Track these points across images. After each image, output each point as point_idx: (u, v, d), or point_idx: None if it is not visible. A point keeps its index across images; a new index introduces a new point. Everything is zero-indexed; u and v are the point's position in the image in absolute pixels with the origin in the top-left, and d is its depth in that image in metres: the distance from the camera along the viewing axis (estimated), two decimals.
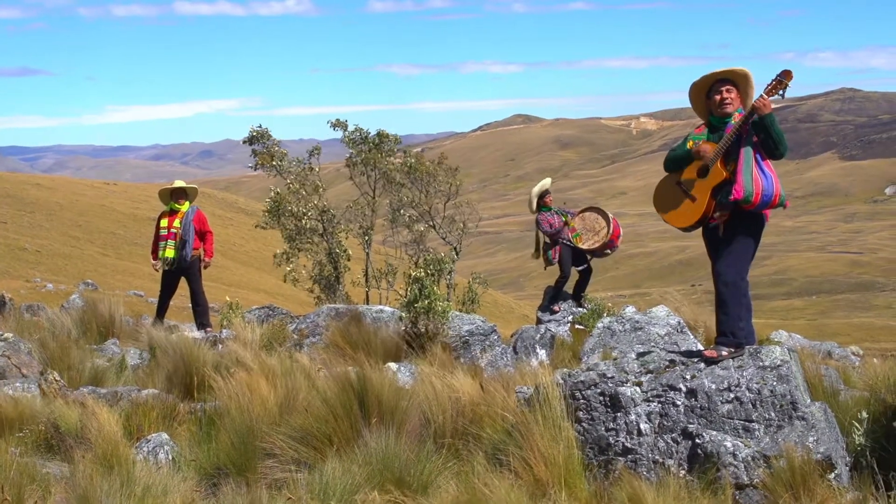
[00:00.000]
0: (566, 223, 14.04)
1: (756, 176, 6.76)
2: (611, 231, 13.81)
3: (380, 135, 21.48)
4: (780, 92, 6.79)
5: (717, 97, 6.98)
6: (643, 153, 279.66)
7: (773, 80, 6.78)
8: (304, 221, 20.61)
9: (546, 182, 14.46)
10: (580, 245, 13.86)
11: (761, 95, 6.74)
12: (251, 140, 21.55)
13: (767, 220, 7.08)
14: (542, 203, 14.17)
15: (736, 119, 6.89)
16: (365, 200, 21.82)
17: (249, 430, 7.11)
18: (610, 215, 13.99)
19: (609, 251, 14.09)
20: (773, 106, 6.77)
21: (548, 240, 14.12)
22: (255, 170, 21.75)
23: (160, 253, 13.56)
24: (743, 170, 6.76)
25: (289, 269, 21.04)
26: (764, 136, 6.78)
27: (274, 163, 21.26)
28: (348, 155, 21.75)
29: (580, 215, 14.10)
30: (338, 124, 21.49)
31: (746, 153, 6.80)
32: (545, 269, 14.36)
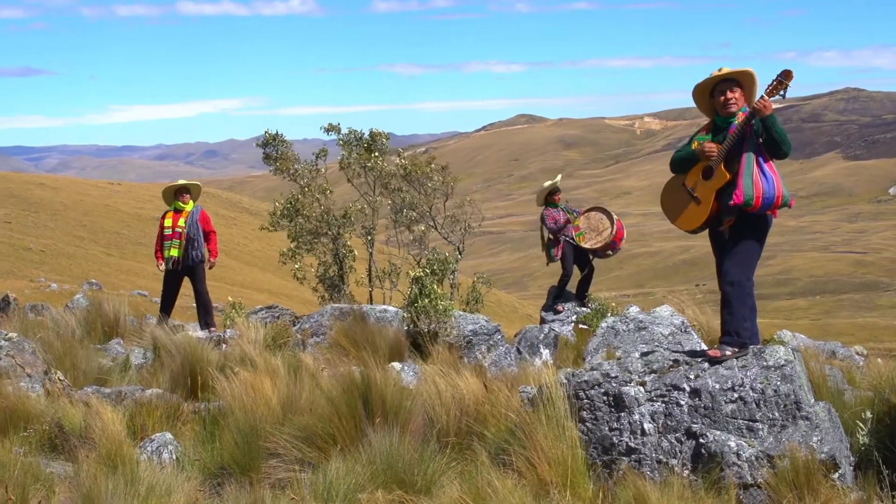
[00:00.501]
0: (569, 221, 14.03)
1: (757, 180, 6.76)
2: (614, 232, 13.81)
3: (372, 135, 21.49)
4: (781, 92, 6.78)
5: (722, 98, 6.97)
6: (647, 153, 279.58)
7: (773, 81, 6.77)
8: (322, 227, 20.63)
9: (557, 179, 14.49)
10: (582, 244, 13.86)
11: (762, 97, 6.74)
12: (265, 144, 21.63)
13: (776, 216, 7.08)
14: (551, 200, 14.17)
15: (740, 118, 6.88)
16: (365, 201, 21.83)
17: (253, 430, 7.12)
18: (614, 216, 13.98)
19: (611, 252, 14.09)
20: (774, 106, 6.77)
21: (551, 236, 14.12)
22: (274, 174, 21.83)
23: (165, 253, 13.55)
24: (743, 174, 6.78)
25: (297, 266, 21.07)
26: (767, 137, 6.79)
27: (291, 167, 21.34)
28: (340, 157, 21.78)
29: (585, 214, 14.11)
30: (331, 128, 21.50)
31: (748, 157, 6.81)
32: (546, 264, 14.37)
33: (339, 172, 22.29)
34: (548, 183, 14.31)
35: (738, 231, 6.93)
